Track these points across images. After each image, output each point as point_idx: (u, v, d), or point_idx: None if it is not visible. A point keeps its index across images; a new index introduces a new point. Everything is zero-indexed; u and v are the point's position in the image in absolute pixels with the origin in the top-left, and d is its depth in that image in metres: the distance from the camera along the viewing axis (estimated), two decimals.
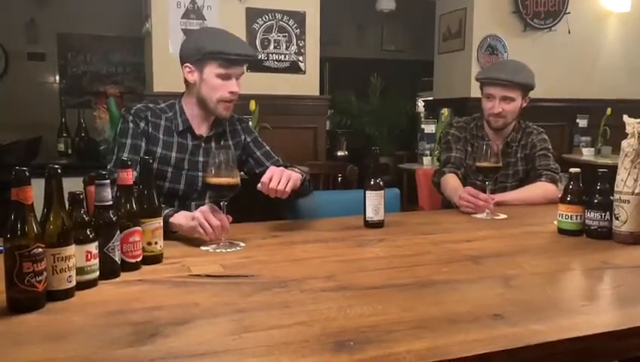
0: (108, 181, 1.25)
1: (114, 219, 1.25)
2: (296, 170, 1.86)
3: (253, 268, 1.35)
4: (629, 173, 1.58)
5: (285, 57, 3.97)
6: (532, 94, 2.43)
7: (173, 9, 3.65)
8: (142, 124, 1.85)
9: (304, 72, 4.04)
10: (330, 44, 6.01)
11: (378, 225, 1.81)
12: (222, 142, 1.97)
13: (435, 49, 5.11)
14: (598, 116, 4.61)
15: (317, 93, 4.12)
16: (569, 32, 4.81)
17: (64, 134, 3.94)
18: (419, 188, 2.83)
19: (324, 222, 1.92)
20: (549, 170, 2.35)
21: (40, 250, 1.05)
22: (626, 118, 1.64)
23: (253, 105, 3.50)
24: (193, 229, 1.56)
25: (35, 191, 1.07)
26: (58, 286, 1.10)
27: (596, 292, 1.31)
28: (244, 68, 1.92)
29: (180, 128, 1.90)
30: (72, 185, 1.24)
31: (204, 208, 1.58)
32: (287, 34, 3.95)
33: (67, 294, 1.12)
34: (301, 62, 4.01)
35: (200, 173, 1.90)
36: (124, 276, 1.28)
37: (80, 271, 1.15)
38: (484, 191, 2.07)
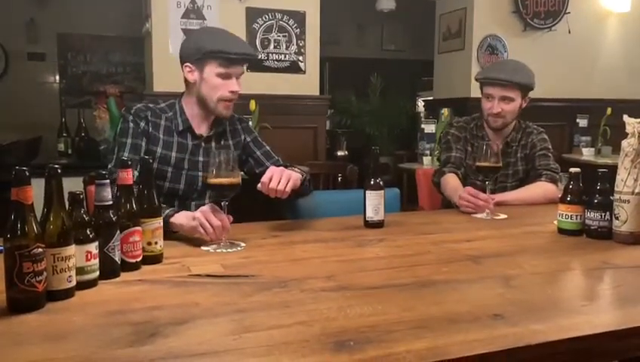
0: (108, 181, 1.25)
1: (114, 219, 1.25)
2: (296, 169, 1.86)
3: (254, 268, 1.35)
4: (629, 173, 1.58)
5: (285, 57, 3.97)
6: (532, 94, 2.43)
7: (173, 9, 3.65)
8: (142, 124, 1.85)
9: (304, 72, 4.03)
10: (330, 44, 6.01)
11: (378, 225, 1.81)
12: (222, 142, 1.97)
13: (435, 49, 5.11)
14: (598, 116, 4.62)
15: (317, 92, 4.12)
16: (569, 32, 4.80)
17: (64, 134, 3.94)
18: (419, 188, 2.83)
19: (324, 222, 1.92)
20: (549, 169, 2.35)
21: (40, 249, 1.05)
22: (626, 117, 1.64)
23: (253, 105, 3.50)
24: (194, 229, 1.56)
25: (35, 191, 1.07)
26: (58, 286, 1.10)
27: (596, 292, 1.31)
28: (244, 67, 1.92)
29: (180, 128, 1.90)
30: (72, 185, 1.24)
31: (205, 208, 1.58)
32: (287, 34, 3.95)
33: (67, 294, 1.12)
34: (301, 62, 4.01)
35: (200, 173, 1.90)
36: (124, 276, 1.28)
37: (80, 271, 1.15)
38: (484, 191, 2.07)
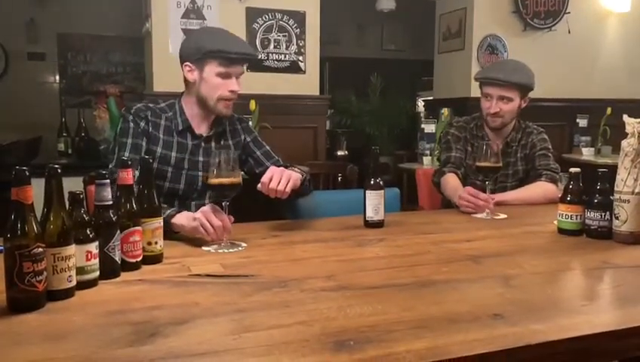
0: (108, 181, 1.25)
1: (114, 218, 1.25)
2: (296, 169, 1.86)
3: (254, 268, 1.35)
4: (629, 173, 1.58)
5: (285, 57, 3.97)
6: (532, 94, 2.43)
7: (173, 9, 3.65)
8: (142, 124, 1.85)
9: (304, 72, 4.03)
10: (330, 44, 6.01)
11: (378, 224, 1.81)
12: (222, 142, 1.97)
13: (435, 49, 5.11)
14: (598, 116, 4.61)
15: (317, 92, 4.12)
16: (569, 32, 4.80)
17: (64, 134, 3.94)
18: (419, 187, 2.83)
19: (324, 221, 1.92)
20: (549, 169, 2.35)
21: (40, 249, 1.05)
22: (625, 117, 1.64)
23: (253, 104, 3.50)
24: (195, 230, 1.56)
25: (35, 191, 1.07)
26: (58, 286, 1.10)
27: (596, 292, 1.31)
28: (244, 67, 1.92)
29: (180, 128, 1.90)
30: (72, 184, 1.24)
31: (206, 208, 1.58)
32: (287, 34, 3.95)
33: (67, 294, 1.12)
34: (301, 61, 4.01)
35: (200, 173, 1.90)
36: (124, 276, 1.28)
37: (80, 270, 1.15)
38: (484, 191, 2.07)
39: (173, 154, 1.88)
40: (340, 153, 6.45)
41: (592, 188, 1.68)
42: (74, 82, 6.43)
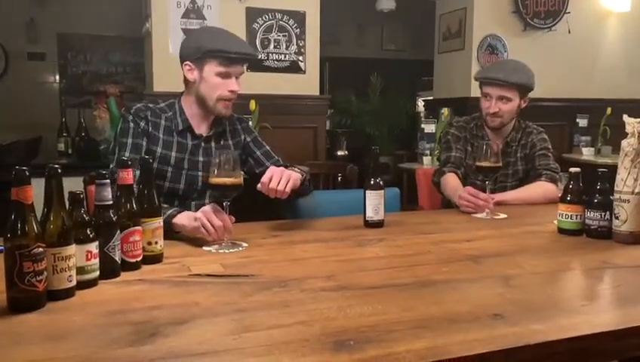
0: (108, 181, 1.25)
1: (114, 218, 1.25)
2: (296, 169, 1.86)
3: (254, 268, 1.35)
4: (629, 173, 1.58)
5: (285, 57, 3.97)
6: (532, 94, 2.43)
7: (173, 9, 3.65)
8: (142, 124, 1.85)
9: (304, 72, 4.03)
10: (330, 44, 6.01)
11: (378, 224, 1.81)
12: (221, 142, 1.97)
13: (435, 49, 5.11)
14: (598, 116, 4.61)
15: (317, 92, 4.12)
16: (569, 32, 4.80)
17: (64, 134, 3.94)
18: (419, 187, 2.83)
19: (324, 221, 1.92)
20: (548, 169, 2.35)
21: (40, 249, 1.05)
22: (625, 117, 1.64)
23: (253, 104, 3.50)
24: (196, 230, 1.57)
25: (36, 191, 1.07)
26: (58, 286, 1.10)
27: (596, 292, 1.31)
28: (244, 67, 1.92)
29: (180, 128, 1.90)
30: (72, 184, 1.24)
31: (207, 208, 1.58)
32: (287, 33, 3.95)
33: (67, 294, 1.12)
34: (301, 61, 4.01)
35: (200, 173, 1.90)
36: (124, 276, 1.28)
37: (80, 270, 1.15)
38: (484, 191, 2.07)
39: (173, 154, 1.88)
40: (340, 153, 6.45)
41: (592, 188, 1.68)
42: (74, 82, 6.43)
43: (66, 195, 1.15)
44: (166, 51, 3.59)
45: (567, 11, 4.77)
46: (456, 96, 4.70)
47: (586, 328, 1.00)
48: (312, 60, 4.04)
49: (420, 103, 7.32)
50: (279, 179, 1.67)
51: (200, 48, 1.81)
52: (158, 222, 1.40)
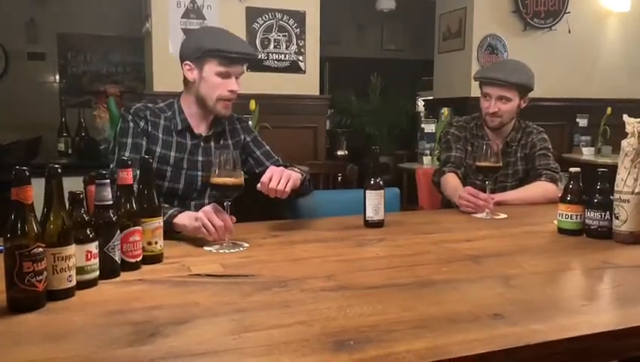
0: (108, 181, 1.25)
1: (114, 218, 1.25)
2: (296, 169, 1.86)
3: (254, 268, 1.35)
4: (629, 173, 1.58)
5: (285, 57, 3.97)
6: (532, 94, 2.43)
7: (173, 9, 3.65)
8: (142, 123, 1.85)
9: (304, 72, 4.03)
10: (330, 44, 6.01)
11: (378, 224, 1.81)
12: (221, 142, 1.97)
13: (435, 48, 5.11)
14: (598, 116, 4.61)
15: (317, 92, 4.12)
16: (569, 32, 4.80)
17: (64, 134, 3.94)
18: (419, 187, 2.82)
19: (324, 221, 1.92)
20: (548, 169, 2.35)
21: (40, 249, 1.05)
22: (625, 117, 1.64)
23: (253, 104, 3.50)
24: (197, 230, 1.56)
25: (35, 191, 1.07)
26: (58, 286, 1.10)
27: (596, 291, 1.31)
28: (244, 67, 1.92)
29: (179, 127, 1.90)
30: (72, 184, 1.24)
31: (208, 208, 1.58)
32: (287, 33, 3.95)
33: (67, 294, 1.12)
34: (301, 61, 4.01)
35: (199, 173, 1.90)
36: (124, 276, 1.28)
37: (80, 270, 1.15)
38: (484, 191, 2.07)
39: (172, 153, 1.88)
40: (340, 153, 6.45)
41: (592, 187, 1.68)
42: (74, 82, 6.43)
43: (66, 195, 1.15)
44: (166, 51, 3.59)
45: (567, 11, 4.77)
46: (456, 96, 4.70)
47: (586, 328, 1.00)
48: (312, 60, 4.04)
49: (420, 103, 7.32)
50: (279, 179, 1.67)
51: (200, 48, 1.81)
52: (158, 222, 1.40)
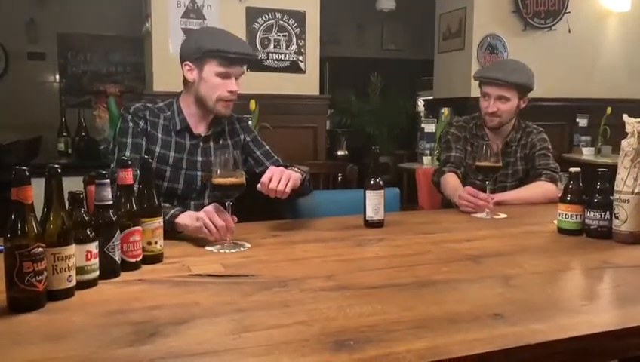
0: (108, 181, 1.25)
1: (114, 218, 1.25)
2: (296, 169, 1.86)
3: (254, 268, 1.35)
4: (628, 173, 1.58)
5: (285, 57, 3.96)
6: (532, 94, 2.43)
7: (173, 8, 3.65)
8: (141, 123, 1.86)
9: (304, 72, 4.03)
10: (330, 44, 6.01)
11: (378, 224, 1.81)
12: (220, 142, 1.97)
13: (435, 48, 5.11)
14: (598, 116, 4.61)
15: (317, 92, 4.12)
16: (569, 32, 4.80)
17: (64, 134, 3.94)
18: (419, 187, 2.82)
19: (324, 221, 1.92)
20: (548, 169, 2.35)
21: (40, 249, 1.05)
22: (625, 117, 1.64)
23: (253, 104, 3.50)
24: (198, 230, 1.56)
25: (35, 191, 1.07)
26: (58, 286, 1.10)
27: (596, 291, 1.31)
28: (244, 68, 1.92)
29: (178, 127, 1.90)
30: (72, 184, 1.24)
31: (209, 208, 1.58)
32: (287, 33, 3.95)
33: (67, 294, 1.12)
34: (301, 61, 4.01)
35: (199, 173, 1.90)
36: (124, 276, 1.28)
37: (80, 270, 1.15)
38: (484, 191, 2.07)
39: (172, 153, 1.88)
40: (340, 153, 6.45)
41: (592, 187, 1.68)
42: (74, 82, 6.43)
43: (66, 195, 1.15)
44: (166, 51, 3.59)
45: (567, 11, 4.77)
46: (456, 95, 4.70)
47: (586, 328, 1.00)
48: (312, 60, 4.04)
49: (420, 103, 7.32)
50: (279, 179, 1.67)
51: (200, 48, 1.81)
52: (158, 222, 1.40)
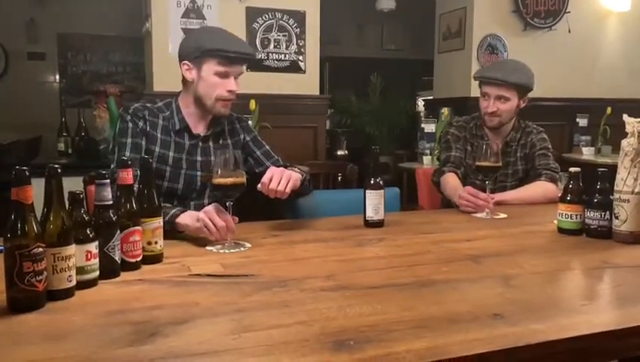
0: (108, 181, 1.25)
1: (114, 218, 1.25)
2: (296, 169, 1.86)
3: (254, 268, 1.35)
4: (628, 173, 1.58)
5: (285, 57, 3.97)
6: (532, 94, 2.43)
7: (173, 8, 3.65)
8: (140, 123, 1.85)
9: (304, 72, 4.03)
10: (330, 44, 6.01)
11: (378, 224, 1.81)
12: (220, 142, 1.97)
13: (435, 48, 5.11)
14: (598, 115, 4.62)
15: (317, 92, 4.12)
16: (569, 32, 4.80)
17: (64, 134, 3.94)
18: (419, 187, 2.83)
19: (324, 221, 1.92)
20: (548, 169, 2.35)
21: (40, 249, 1.05)
22: (625, 117, 1.64)
23: (253, 104, 3.50)
24: (199, 230, 1.56)
25: (35, 191, 1.07)
26: (58, 286, 1.10)
27: (596, 291, 1.31)
28: (244, 68, 1.92)
29: (177, 127, 1.90)
30: (72, 184, 1.24)
31: (210, 208, 1.58)
32: (287, 33, 3.95)
33: (67, 294, 1.12)
34: (301, 61, 4.01)
35: (198, 173, 1.90)
36: (124, 276, 1.28)
37: (80, 270, 1.15)
38: (484, 191, 2.07)
39: (171, 153, 1.88)
40: (339, 153, 6.45)
41: (592, 187, 1.68)
42: (74, 82, 6.43)
43: (66, 195, 1.15)
44: (166, 51, 3.59)
45: (567, 11, 4.77)
46: (456, 95, 4.70)
47: (586, 328, 1.00)
48: (312, 60, 4.04)
49: (420, 103, 7.32)
50: (279, 179, 1.67)
51: (199, 47, 1.81)
52: (158, 222, 1.40)
